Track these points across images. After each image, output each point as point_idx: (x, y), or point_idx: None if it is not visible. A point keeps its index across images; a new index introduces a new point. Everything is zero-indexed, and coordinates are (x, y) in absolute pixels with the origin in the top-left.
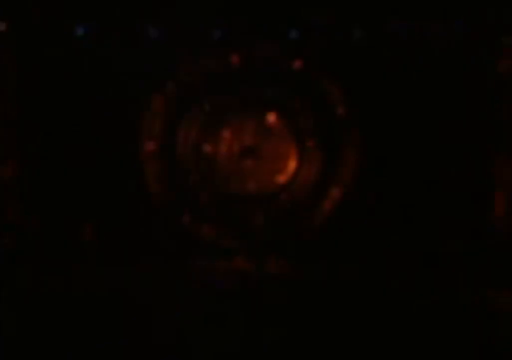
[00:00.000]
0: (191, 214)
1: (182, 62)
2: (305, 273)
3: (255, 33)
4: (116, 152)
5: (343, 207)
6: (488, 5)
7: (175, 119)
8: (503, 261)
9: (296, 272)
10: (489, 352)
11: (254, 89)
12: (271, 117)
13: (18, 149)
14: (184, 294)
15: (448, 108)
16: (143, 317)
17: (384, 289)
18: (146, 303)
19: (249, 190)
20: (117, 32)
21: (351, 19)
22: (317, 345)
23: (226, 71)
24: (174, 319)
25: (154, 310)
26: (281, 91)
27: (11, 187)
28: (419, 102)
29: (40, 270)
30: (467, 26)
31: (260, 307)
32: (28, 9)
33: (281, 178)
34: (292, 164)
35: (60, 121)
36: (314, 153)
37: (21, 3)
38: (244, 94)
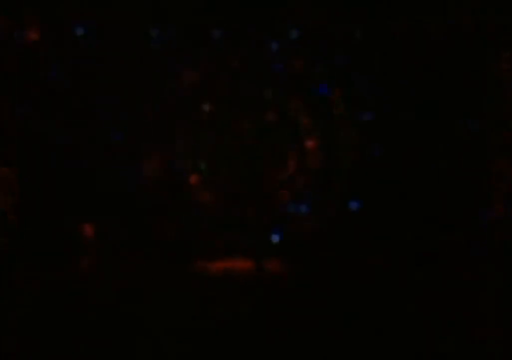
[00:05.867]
0: (190, 214)
1: (181, 62)
2: (305, 273)
3: (255, 33)
4: (116, 152)
5: (343, 207)
6: (488, 5)
7: (175, 119)
8: (503, 261)
9: (296, 272)
10: (488, 351)
11: (254, 89)
12: (271, 117)
13: (17, 149)
14: (184, 294)
15: (448, 108)
16: (143, 317)
17: (384, 288)
18: (145, 303)
19: (248, 190)
20: (117, 32)
21: (351, 19)
22: (317, 345)
23: (226, 71)
24: (174, 319)
25: (154, 310)
26: (281, 91)
27: (10, 186)
28: (419, 102)
29: (40, 270)
30: (467, 26)
31: (260, 307)
32: (28, 9)
33: (281, 178)
34: (292, 164)
35: (60, 121)
36: (314, 153)
37: (21, 3)
38: (244, 94)
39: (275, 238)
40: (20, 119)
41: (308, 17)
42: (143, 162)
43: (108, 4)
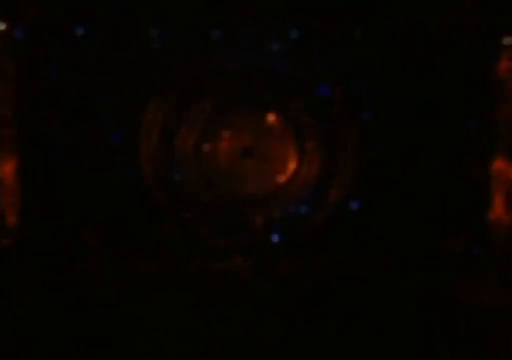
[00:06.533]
0: (191, 213)
1: (182, 62)
2: (305, 273)
3: (255, 33)
4: (115, 152)
5: (343, 207)
6: (488, 5)
7: (175, 119)
8: (503, 261)
9: (296, 272)
10: (487, 351)
11: (254, 89)
12: (271, 117)
13: (17, 149)
14: (184, 294)
15: (448, 108)
16: (143, 318)
17: (384, 289)
18: (145, 303)
19: (249, 190)
20: (117, 32)
21: (351, 19)
22: (317, 345)
23: (225, 71)
24: (174, 319)
25: (154, 310)
26: (281, 92)
27: (10, 187)
28: (419, 102)
29: (40, 270)
30: (467, 26)
31: (260, 308)
32: (28, 9)
33: (281, 178)
34: (292, 165)
35: (60, 121)
36: (314, 153)
37: (21, 3)
38: (244, 94)
39: (275, 238)
40: (21, 119)
41: (308, 17)
42: (143, 162)
43: (108, 4)
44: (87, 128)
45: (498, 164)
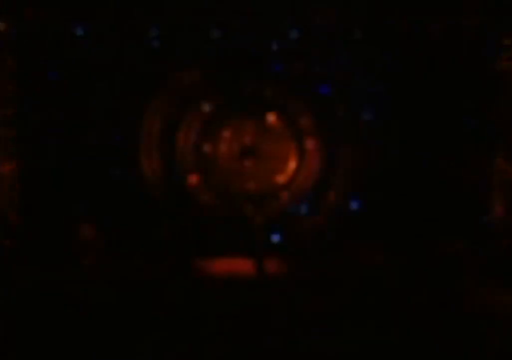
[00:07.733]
0: (190, 214)
1: (182, 62)
2: (305, 273)
3: (255, 33)
4: (115, 153)
5: (343, 207)
6: (488, 5)
7: (175, 119)
8: (503, 260)
9: (296, 272)
10: (486, 350)
11: (254, 89)
12: (271, 117)
13: (17, 149)
14: (184, 293)
15: (448, 108)
16: (143, 317)
17: (384, 288)
18: (146, 303)
19: (249, 190)
20: (117, 32)
21: (351, 19)
22: (316, 344)
23: (226, 71)
24: (174, 318)
25: (154, 309)
26: (281, 91)
27: (11, 187)
28: (419, 102)
29: (40, 270)
30: (467, 26)
31: (260, 307)
32: (28, 9)
33: (281, 178)
34: (292, 164)
35: (59, 121)
36: (314, 153)
37: (21, 3)
38: (244, 94)
39: (275, 238)
40: (22, 119)
41: (308, 17)
42: (143, 163)
43: (108, 4)
44: (87, 128)
45: (498, 164)
